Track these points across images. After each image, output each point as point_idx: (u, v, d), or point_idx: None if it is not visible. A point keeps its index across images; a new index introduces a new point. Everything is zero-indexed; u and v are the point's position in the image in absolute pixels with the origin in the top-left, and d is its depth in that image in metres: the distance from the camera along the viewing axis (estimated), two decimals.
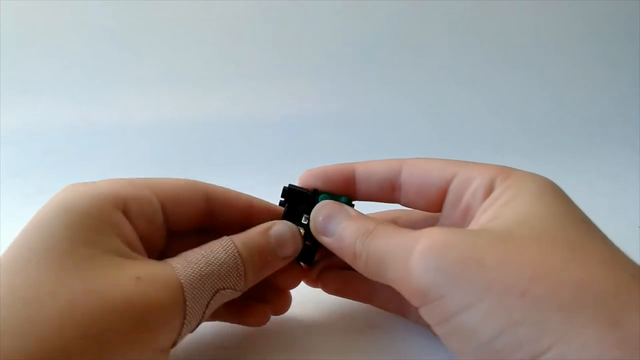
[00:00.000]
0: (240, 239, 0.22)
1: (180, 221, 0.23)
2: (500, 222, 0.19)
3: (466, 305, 0.16)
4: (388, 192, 0.25)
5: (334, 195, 0.25)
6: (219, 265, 0.21)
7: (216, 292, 0.21)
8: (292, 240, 0.24)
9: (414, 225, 0.25)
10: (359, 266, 0.21)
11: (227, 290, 0.21)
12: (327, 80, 0.78)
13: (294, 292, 0.28)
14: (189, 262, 0.20)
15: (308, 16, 0.78)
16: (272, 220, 0.25)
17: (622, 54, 0.81)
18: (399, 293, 0.25)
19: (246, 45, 0.78)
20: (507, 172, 0.21)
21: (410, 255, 0.18)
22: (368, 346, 0.27)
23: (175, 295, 0.19)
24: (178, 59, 0.78)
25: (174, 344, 0.20)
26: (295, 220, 0.25)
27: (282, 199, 0.26)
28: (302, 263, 0.27)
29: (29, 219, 0.20)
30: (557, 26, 0.80)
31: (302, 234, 0.25)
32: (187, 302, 0.19)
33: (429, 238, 0.18)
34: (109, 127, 0.73)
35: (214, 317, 0.26)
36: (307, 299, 0.31)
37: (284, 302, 0.27)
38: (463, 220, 0.22)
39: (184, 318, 0.19)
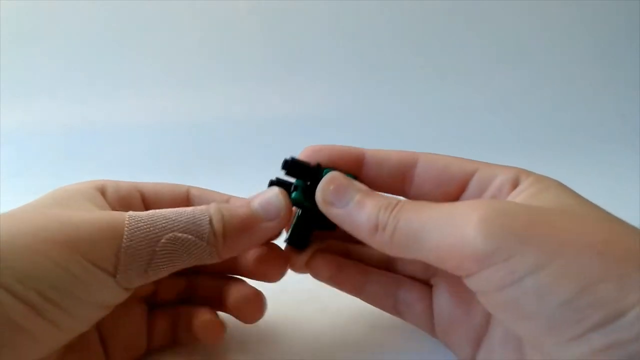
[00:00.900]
0: (214, 205, 0.22)
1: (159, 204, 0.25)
2: (541, 204, 0.19)
3: (539, 265, 0.16)
4: (398, 181, 0.24)
5: (340, 171, 0.23)
6: (178, 213, 0.21)
7: (170, 232, 0.20)
8: (278, 202, 0.23)
9: None
10: (381, 239, 0.20)
11: (187, 235, 0.21)
12: (327, 80, 0.78)
13: (293, 292, 0.28)
14: (146, 211, 0.21)
15: (308, 16, 0.78)
16: None
17: (622, 54, 0.81)
18: (392, 288, 0.25)
19: (246, 45, 0.78)
20: (527, 171, 0.22)
21: (465, 221, 0.17)
22: (368, 346, 0.27)
23: (117, 219, 0.20)
24: (178, 59, 0.78)
25: (118, 271, 0.20)
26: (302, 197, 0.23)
27: (273, 180, 0.24)
28: (292, 247, 0.25)
29: None
30: (557, 26, 0.80)
31: (297, 214, 0.24)
32: (126, 226, 0.20)
33: (486, 204, 0.18)
34: (109, 127, 0.73)
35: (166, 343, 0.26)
36: (306, 298, 0.31)
37: (253, 307, 0.25)
38: None
39: (122, 240, 0.20)
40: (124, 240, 0.20)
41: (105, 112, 0.75)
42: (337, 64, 0.78)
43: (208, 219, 0.21)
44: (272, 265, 0.25)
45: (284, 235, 0.25)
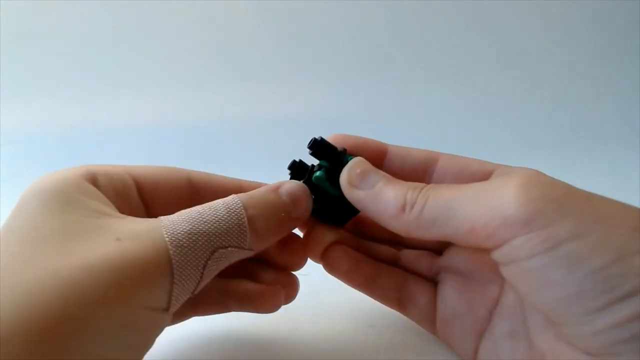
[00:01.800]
0: (247, 196, 0.21)
1: (162, 202, 0.23)
2: None
3: (577, 234, 0.16)
4: (419, 174, 0.24)
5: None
6: (216, 222, 0.19)
7: (214, 250, 0.19)
8: (305, 198, 0.23)
9: None
10: (408, 218, 0.20)
11: (229, 249, 0.20)
12: (327, 81, 0.78)
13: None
14: (182, 219, 0.19)
15: (308, 16, 0.78)
16: None
17: (622, 54, 0.81)
18: (399, 282, 0.25)
19: (246, 45, 0.78)
20: (544, 174, 0.22)
21: (503, 188, 0.18)
22: (368, 346, 0.27)
23: (159, 252, 0.18)
24: (178, 59, 0.78)
25: (171, 305, 0.19)
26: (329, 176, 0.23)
27: (295, 161, 0.24)
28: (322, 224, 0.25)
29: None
30: (557, 26, 0.80)
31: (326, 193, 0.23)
32: (173, 260, 0.18)
33: (524, 174, 0.19)
34: (109, 127, 0.73)
35: (225, 307, 0.25)
36: (307, 298, 0.31)
37: (292, 283, 0.26)
38: None
39: (172, 276, 0.18)
40: (175, 278, 0.18)
41: (105, 112, 0.75)
42: (338, 64, 0.78)
43: (247, 225, 0.20)
44: (296, 254, 0.25)
45: None
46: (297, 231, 0.25)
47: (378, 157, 0.25)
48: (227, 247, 0.20)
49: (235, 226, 0.20)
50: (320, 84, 0.78)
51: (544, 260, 0.16)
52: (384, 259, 0.27)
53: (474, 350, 0.23)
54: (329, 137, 0.25)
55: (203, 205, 0.20)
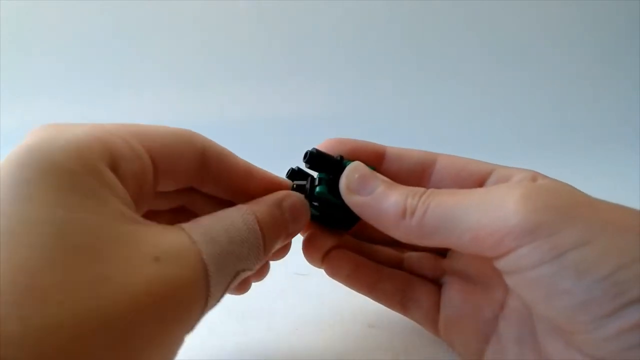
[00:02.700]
0: (259, 212, 0.20)
1: (170, 180, 0.20)
2: None
3: (583, 241, 0.16)
4: (417, 175, 0.24)
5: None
6: (240, 244, 0.18)
7: (237, 274, 0.18)
8: (305, 215, 0.22)
9: None
10: (409, 224, 0.20)
11: (245, 272, 0.19)
12: (327, 81, 0.78)
13: (293, 292, 0.28)
14: (211, 237, 0.17)
15: (308, 16, 0.78)
16: (271, 191, 0.22)
17: (622, 54, 0.81)
18: (401, 284, 0.25)
19: (246, 45, 0.78)
20: (543, 174, 0.22)
21: (506, 198, 0.18)
22: (368, 346, 0.27)
23: (200, 276, 0.16)
24: (178, 60, 0.78)
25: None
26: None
27: (294, 169, 0.24)
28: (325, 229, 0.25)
29: None
30: (557, 26, 0.80)
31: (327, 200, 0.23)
32: (211, 288, 0.17)
33: (526, 183, 0.19)
34: None
35: None
36: (307, 298, 0.31)
37: (265, 265, 0.25)
38: None
39: (207, 304, 0.17)
40: (208, 304, 0.17)
41: (105, 112, 0.75)
42: (338, 64, 0.78)
43: (263, 245, 0.20)
44: (283, 249, 0.25)
45: None
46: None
47: (376, 160, 0.25)
48: (245, 270, 0.19)
49: (255, 249, 0.19)
50: (320, 84, 0.78)
51: (551, 269, 0.16)
52: (386, 261, 0.27)
53: (479, 353, 0.23)
54: (323, 142, 0.24)
55: (220, 216, 0.19)
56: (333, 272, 0.25)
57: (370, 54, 0.79)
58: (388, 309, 0.26)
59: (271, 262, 0.26)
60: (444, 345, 0.26)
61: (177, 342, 0.16)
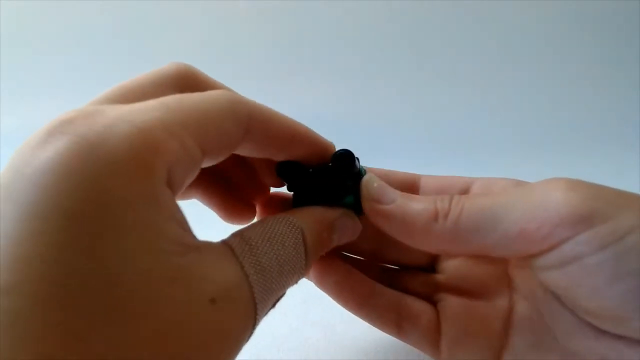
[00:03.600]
0: (308, 231, 0.19)
1: (214, 159, 0.18)
2: None
3: (636, 226, 0.16)
4: (406, 191, 0.24)
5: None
6: (289, 271, 0.17)
7: (277, 301, 0.18)
8: (353, 231, 0.21)
9: None
10: (443, 226, 0.19)
11: (282, 297, 0.18)
12: (327, 81, 0.78)
13: (293, 292, 0.28)
14: (262, 268, 0.16)
15: (309, 16, 0.78)
16: (313, 152, 0.21)
17: (622, 54, 0.81)
18: (395, 301, 0.24)
19: (246, 45, 0.78)
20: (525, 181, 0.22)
21: (552, 190, 0.18)
22: (368, 346, 0.27)
23: (250, 317, 0.16)
24: (178, 60, 0.78)
25: None
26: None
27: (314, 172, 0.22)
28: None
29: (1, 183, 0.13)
30: (557, 26, 0.80)
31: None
32: (257, 323, 0.16)
33: (566, 179, 0.19)
34: None
35: (196, 192, 0.23)
36: (307, 298, 0.31)
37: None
38: None
39: (250, 337, 0.17)
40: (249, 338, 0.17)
41: None
42: (338, 65, 0.78)
43: (304, 267, 0.19)
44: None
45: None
46: None
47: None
48: (282, 296, 0.18)
49: (299, 273, 0.18)
50: (320, 84, 0.78)
51: (613, 253, 0.16)
52: (378, 279, 0.25)
53: None
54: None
55: (273, 238, 0.17)
56: (320, 279, 0.24)
57: (371, 54, 0.79)
58: None
59: None
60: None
61: None
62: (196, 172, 0.16)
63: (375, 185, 0.21)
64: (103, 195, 0.12)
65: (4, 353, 0.10)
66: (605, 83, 0.79)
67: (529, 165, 0.59)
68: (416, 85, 0.78)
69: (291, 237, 0.18)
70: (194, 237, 0.15)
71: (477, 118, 0.75)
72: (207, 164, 0.17)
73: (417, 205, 0.20)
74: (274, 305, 0.18)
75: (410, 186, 0.24)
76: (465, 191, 0.23)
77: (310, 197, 0.21)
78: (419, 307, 0.24)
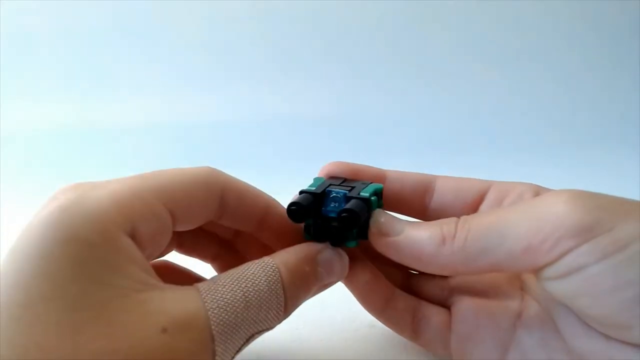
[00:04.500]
0: (286, 268, 0.19)
1: (188, 224, 0.21)
2: None
3: (638, 235, 0.17)
4: (420, 193, 0.24)
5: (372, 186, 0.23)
6: (258, 308, 0.18)
7: (250, 337, 0.18)
8: (341, 267, 0.22)
9: None
10: (451, 249, 0.19)
11: (260, 333, 0.19)
12: (327, 81, 0.78)
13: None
14: (225, 303, 0.17)
15: (308, 16, 0.78)
16: (283, 229, 0.22)
17: (622, 54, 0.81)
18: (412, 305, 0.25)
19: (246, 45, 0.78)
20: (544, 187, 0.22)
21: (553, 203, 0.18)
22: (368, 346, 0.27)
23: (205, 349, 0.16)
24: (178, 60, 0.78)
25: None
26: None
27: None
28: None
29: (15, 240, 0.17)
30: (556, 26, 0.80)
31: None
32: (217, 354, 0.17)
33: (566, 190, 0.19)
34: (109, 127, 0.73)
35: (205, 258, 0.26)
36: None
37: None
38: None
39: None
40: None
41: (105, 112, 0.75)
42: (337, 65, 0.78)
43: (284, 305, 0.19)
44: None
45: None
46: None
47: (377, 182, 0.24)
48: (261, 332, 0.19)
49: (274, 308, 0.19)
50: (320, 84, 0.78)
51: (615, 262, 0.17)
52: (394, 280, 0.26)
53: None
54: (325, 166, 0.24)
55: (243, 279, 0.18)
56: (350, 279, 0.24)
57: (371, 54, 0.79)
58: None
59: None
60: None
61: None
62: (167, 230, 0.19)
63: (383, 220, 0.22)
64: (72, 239, 0.16)
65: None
66: (605, 83, 0.79)
67: (529, 165, 0.59)
68: (415, 86, 0.78)
69: (263, 275, 0.19)
70: (157, 280, 0.17)
71: (477, 118, 0.75)
72: (183, 227, 0.20)
73: (424, 233, 0.20)
74: (248, 341, 0.18)
75: (424, 189, 0.24)
76: (481, 196, 0.23)
77: (319, 236, 0.22)
78: (433, 310, 0.25)
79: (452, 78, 0.79)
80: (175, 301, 0.17)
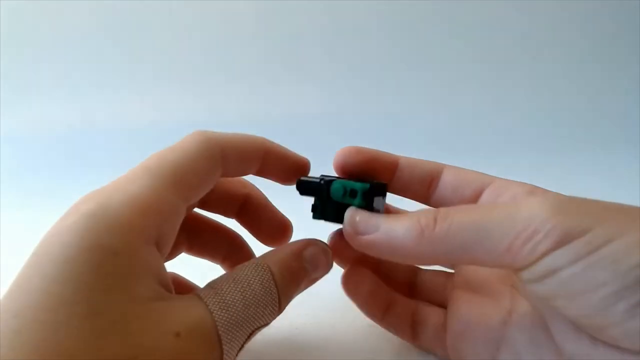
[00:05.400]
0: (276, 267, 0.21)
1: (196, 200, 0.22)
2: None
3: (612, 237, 0.17)
4: (425, 185, 0.25)
5: (373, 180, 0.23)
6: (256, 305, 0.20)
7: (251, 333, 0.20)
8: (326, 261, 0.23)
9: None
10: (430, 240, 0.20)
11: (260, 328, 0.20)
12: (327, 80, 0.78)
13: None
14: (226, 304, 0.19)
15: (308, 16, 0.78)
16: (286, 166, 0.25)
17: (622, 54, 0.81)
18: (411, 308, 0.26)
19: (246, 45, 0.78)
20: (542, 188, 0.23)
21: (537, 208, 0.19)
22: (368, 346, 0.27)
23: (214, 348, 0.18)
24: (178, 60, 0.78)
25: None
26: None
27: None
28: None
29: (38, 244, 0.17)
30: (557, 26, 0.81)
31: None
32: (224, 352, 0.18)
33: (553, 195, 0.20)
34: (109, 127, 0.73)
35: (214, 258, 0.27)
36: (307, 298, 0.31)
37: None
38: None
39: None
40: None
41: (105, 112, 0.75)
42: (337, 65, 0.78)
43: (278, 300, 0.21)
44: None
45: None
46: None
47: (390, 169, 0.25)
48: (260, 328, 0.20)
49: (270, 305, 0.20)
50: (320, 84, 0.78)
51: (588, 263, 0.17)
52: (401, 279, 0.27)
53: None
54: (340, 150, 0.25)
55: (236, 277, 0.20)
56: (353, 289, 0.26)
57: (371, 54, 0.79)
58: None
59: None
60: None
61: None
62: (181, 221, 0.20)
63: (358, 219, 0.22)
64: (96, 247, 0.17)
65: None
66: (605, 83, 0.79)
67: (529, 165, 0.59)
68: (415, 85, 0.78)
69: (256, 276, 0.20)
70: (169, 291, 0.19)
71: (477, 118, 0.75)
72: (192, 205, 0.21)
73: (400, 227, 0.20)
74: (249, 337, 0.20)
75: (431, 179, 0.25)
76: (478, 193, 0.24)
77: (325, 211, 0.23)
78: (432, 312, 0.26)
79: (452, 78, 0.79)
80: (183, 308, 0.18)
